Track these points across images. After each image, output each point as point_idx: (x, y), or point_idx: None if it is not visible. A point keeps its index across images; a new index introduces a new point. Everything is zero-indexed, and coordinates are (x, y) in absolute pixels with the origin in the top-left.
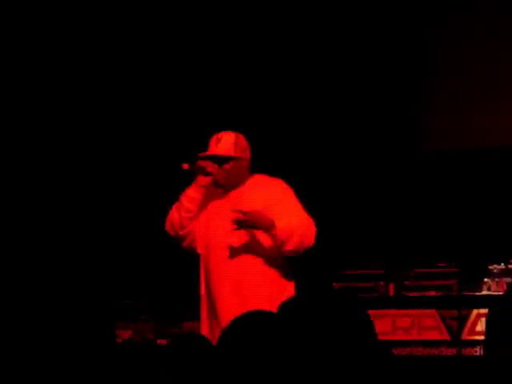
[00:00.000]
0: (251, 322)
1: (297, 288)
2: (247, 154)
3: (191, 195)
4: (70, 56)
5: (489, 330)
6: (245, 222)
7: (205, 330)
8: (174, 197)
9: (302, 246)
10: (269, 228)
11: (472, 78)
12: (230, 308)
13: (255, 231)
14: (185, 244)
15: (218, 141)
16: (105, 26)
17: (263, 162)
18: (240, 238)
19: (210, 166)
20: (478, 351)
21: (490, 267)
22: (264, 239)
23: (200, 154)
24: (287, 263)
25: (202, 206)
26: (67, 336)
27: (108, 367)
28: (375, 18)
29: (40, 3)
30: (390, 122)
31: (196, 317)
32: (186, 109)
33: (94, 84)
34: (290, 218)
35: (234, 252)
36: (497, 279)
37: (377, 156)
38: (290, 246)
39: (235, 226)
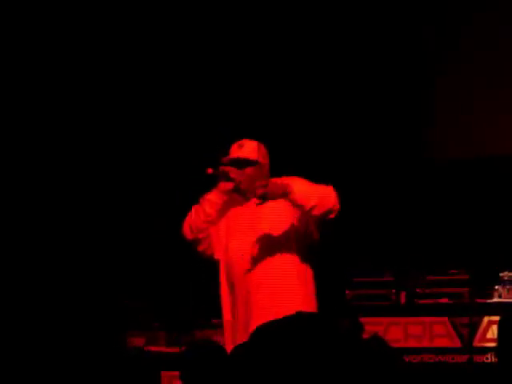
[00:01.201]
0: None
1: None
2: (267, 162)
3: (212, 199)
4: (82, 60)
5: (501, 337)
6: (265, 195)
7: (231, 340)
8: (190, 204)
9: (326, 202)
10: (285, 192)
11: (475, 87)
12: (266, 317)
13: (276, 232)
14: (200, 248)
15: (241, 146)
16: (118, 29)
17: (277, 171)
18: (262, 246)
19: (233, 172)
20: (490, 358)
21: (501, 274)
22: (288, 240)
23: (223, 159)
24: (310, 263)
25: (223, 213)
26: (78, 343)
27: (118, 374)
28: (379, 23)
29: (40, 3)
30: (397, 129)
31: (208, 325)
32: (204, 116)
33: (113, 88)
34: (306, 183)
35: (260, 261)
36: (508, 286)
37: (388, 162)
38: (312, 202)
39: (259, 235)
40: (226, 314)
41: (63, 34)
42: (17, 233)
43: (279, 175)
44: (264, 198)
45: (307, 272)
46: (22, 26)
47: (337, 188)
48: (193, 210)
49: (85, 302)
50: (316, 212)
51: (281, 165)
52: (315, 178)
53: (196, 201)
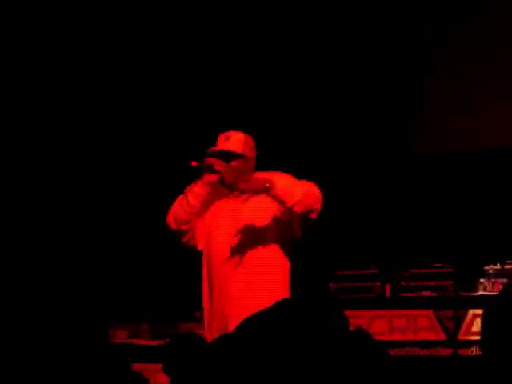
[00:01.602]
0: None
1: (293, 289)
2: (254, 155)
3: (197, 191)
4: (74, 57)
5: (484, 330)
6: (245, 189)
7: (207, 328)
8: (173, 197)
9: (308, 199)
10: (269, 188)
11: (471, 78)
12: (240, 306)
13: (259, 225)
14: (185, 239)
15: (228, 138)
16: (108, 26)
17: (264, 165)
18: (243, 237)
19: (218, 164)
20: (474, 351)
21: (486, 268)
22: (268, 233)
23: (209, 149)
24: (288, 257)
25: (207, 205)
26: (60, 335)
27: (101, 367)
28: (374, 18)
29: (40, 3)
30: (386, 123)
31: (192, 318)
32: (191, 108)
33: (99, 82)
34: (290, 179)
35: (238, 251)
36: (492, 280)
37: (373, 157)
38: (295, 198)
39: (239, 226)
40: (204, 302)
41: (63, 34)
42: (9, 230)
43: (266, 169)
44: (245, 192)
45: (284, 265)
46: (22, 26)
47: (322, 181)
48: (177, 201)
49: (67, 294)
50: (298, 209)
51: (268, 158)
52: (302, 172)
53: (180, 192)
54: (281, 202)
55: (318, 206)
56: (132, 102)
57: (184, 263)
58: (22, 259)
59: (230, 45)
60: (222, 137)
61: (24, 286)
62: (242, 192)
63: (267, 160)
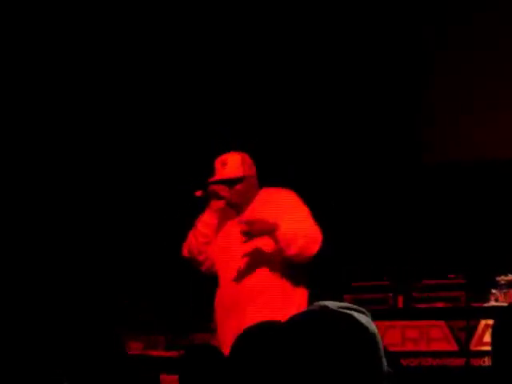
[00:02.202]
0: (261, 333)
1: (308, 302)
2: (254, 171)
3: (207, 221)
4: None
5: (495, 341)
6: (251, 231)
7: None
8: (189, 216)
9: (305, 252)
10: (273, 231)
11: (474, 90)
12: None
13: (266, 247)
14: (204, 268)
15: (224, 164)
16: (113, 35)
17: (269, 176)
18: (252, 257)
19: (222, 190)
20: (486, 361)
21: (498, 278)
22: (277, 257)
23: (210, 180)
24: (301, 276)
25: (218, 228)
26: (76, 347)
27: (117, 379)
28: (377, 26)
29: (40, 3)
30: (394, 133)
31: (206, 328)
32: (191, 133)
33: (105, 104)
34: (296, 223)
35: (249, 269)
36: (504, 290)
37: (385, 168)
38: (292, 251)
39: (248, 246)
40: (217, 322)
41: (63, 34)
42: (17, 233)
43: (275, 181)
44: (250, 235)
45: (296, 282)
46: (22, 26)
47: (334, 192)
48: (190, 234)
49: (84, 304)
50: (295, 258)
51: (279, 172)
52: (313, 184)
53: (191, 211)
54: (279, 247)
55: (313, 251)
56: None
57: (198, 275)
58: (38, 268)
59: (227, 53)
60: (218, 163)
61: (41, 298)
62: (245, 235)
63: (277, 173)
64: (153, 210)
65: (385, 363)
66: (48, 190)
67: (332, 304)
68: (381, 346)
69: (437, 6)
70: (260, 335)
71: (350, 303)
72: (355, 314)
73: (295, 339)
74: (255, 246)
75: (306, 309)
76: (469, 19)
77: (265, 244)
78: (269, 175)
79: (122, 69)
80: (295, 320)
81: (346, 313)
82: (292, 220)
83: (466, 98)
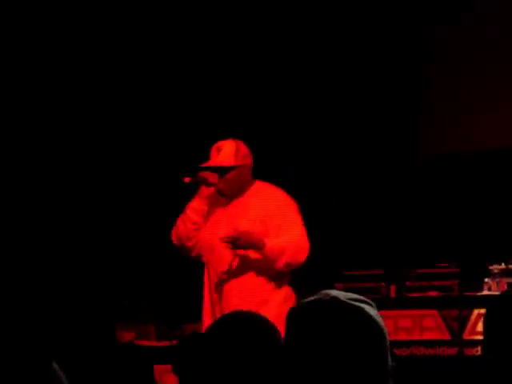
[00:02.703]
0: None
1: (299, 290)
2: (249, 161)
3: (196, 207)
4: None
5: (487, 330)
6: (236, 242)
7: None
8: (178, 203)
9: (292, 264)
10: (260, 248)
11: (474, 90)
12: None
13: (255, 237)
14: (193, 254)
15: (219, 151)
16: (110, 30)
17: (266, 169)
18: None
19: (212, 177)
20: (479, 351)
21: (491, 267)
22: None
23: (201, 165)
24: (289, 274)
25: (208, 215)
26: (67, 336)
27: (109, 369)
28: (375, 25)
29: (40, 3)
30: (389, 126)
31: (198, 319)
32: (186, 118)
33: (99, 93)
34: (284, 235)
35: (238, 258)
36: (497, 279)
37: (377, 160)
38: (279, 264)
39: (236, 234)
40: (205, 311)
41: (63, 34)
42: (12, 231)
43: (273, 176)
44: (236, 247)
45: (285, 274)
46: (22, 26)
47: (326, 184)
48: (179, 220)
49: (74, 296)
50: (284, 269)
51: (273, 169)
52: (306, 178)
53: (181, 200)
54: (269, 261)
55: (301, 261)
56: (130, 118)
57: (188, 265)
58: (29, 262)
59: (225, 50)
60: (213, 149)
61: (30, 290)
62: (232, 245)
63: (271, 170)
64: (144, 199)
65: (390, 358)
66: (45, 188)
67: (342, 295)
68: (387, 340)
69: (437, 5)
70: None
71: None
72: (366, 307)
73: (302, 329)
74: (243, 233)
75: (314, 297)
76: (469, 19)
77: (254, 230)
78: (264, 170)
79: (119, 60)
80: (304, 308)
81: (357, 305)
82: (280, 229)
83: (465, 97)
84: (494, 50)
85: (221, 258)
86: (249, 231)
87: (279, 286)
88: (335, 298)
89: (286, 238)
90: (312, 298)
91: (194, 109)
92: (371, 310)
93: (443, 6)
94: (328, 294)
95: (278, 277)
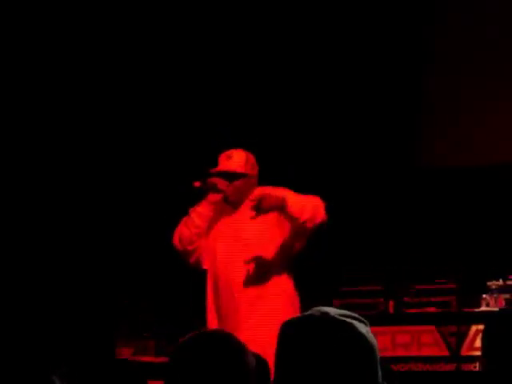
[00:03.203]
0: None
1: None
2: (256, 172)
3: (201, 211)
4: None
5: (485, 346)
6: (260, 206)
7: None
8: (179, 210)
9: (317, 215)
10: (281, 206)
11: (474, 90)
12: (248, 324)
13: (265, 246)
14: (192, 260)
15: (229, 158)
16: (112, 32)
17: (267, 172)
18: (249, 254)
19: (221, 183)
20: (477, 367)
21: (489, 283)
22: (270, 251)
23: (211, 170)
24: (293, 277)
25: (212, 223)
26: (66, 352)
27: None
28: (376, 25)
29: (40, 3)
30: (389, 135)
31: None
32: (195, 126)
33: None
34: (298, 196)
35: (242, 269)
36: (495, 295)
37: (375, 170)
38: (306, 215)
39: (242, 244)
40: (211, 321)
41: (63, 34)
42: (11, 232)
43: (269, 183)
44: (260, 210)
45: (288, 282)
46: (22, 26)
47: (325, 196)
48: (182, 222)
49: (74, 309)
50: (309, 224)
51: (271, 173)
52: (303, 185)
53: (186, 209)
54: (294, 218)
55: (325, 218)
56: (134, 117)
57: (189, 280)
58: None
59: (225, 55)
60: (223, 156)
61: (31, 295)
62: (255, 210)
63: (269, 174)
64: (148, 207)
65: (380, 375)
66: (46, 188)
67: (333, 311)
68: (378, 358)
69: (437, 5)
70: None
71: (340, 308)
72: (356, 324)
73: (292, 345)
74: (249, 242)
75: (305, 313)
76: (469, 19)
77: (260, 234)
78: (265, 173)
79: (123, 63)
80: (294, 324)
81: (347, 322)
82: (294, 195)
83: (466, 97)
84: (494, 49)
85: (223, 267)
86: (267, 193)
87: (284, 290)
88: (325, 314)
89: (302, 197)
90: (303, 314)
91: (198, 113)
92: (362, 327)
93: (443, 6)
94: (319, 310)
95: (290, 287)
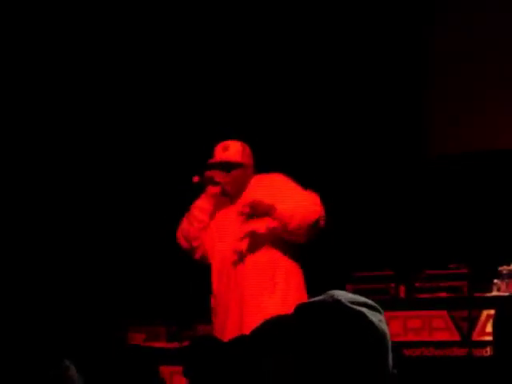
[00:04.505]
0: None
1: (309, 291)
2: (252, 162)
3: (202, 205)
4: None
5: (496, 331)
6: (248, 212)
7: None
8: (182, 201)
9: (307, 219)
10: (270, 212)
11: (473, 90)
12: (252, 309)
13: (262, 230)
14: (197, 256)
15: (226, 148)
16: (111, 30)
17: (269, 169)
18: (247, 244)
19: (218, 175)
20: (488, 351)
21: (500, 268)
22: (273, 240)
23: (209, 161)
24: (298, 266)
25: (212, 216)
26: (77, 339)
27: (118, 370)
28: (377, 26)
29: (40, 3)
30: (396, 126)
31: (208, 320)
32: (190, 120)
33: (107, 95)
34: (290, 199)
35: (244, 257)
36: (506, 280)
37: (387, 160)
38: (292, 226)
39: (243, 234)
40: (214, 307)
41: (63, 34)
42: (18, 233)
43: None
44: (248, 217)
45: (292, 268)
46: (22, 26)
47: (335, 184)
48: (184, 219)
49: (84, 297)
50: (299, 231)
51: (280, 164)
52: (312, 177)
53: (187, 202)
54: (281, 225)
55: (320, 222)
56: (131, 114)
57: (199, 266)
58: (37, 265)
59: (225, 51)
60: (219, 147)
61: (40, 293)
62: (244, 215)
63: (275, 166)
64: (153, 202)
65: (390, 364)
66: (51, 192)
67: (346, 298)
68: (389, 348)
69: (437, 5)
70: (269, 330)
71: (352, 293)
72: (368, 313)
73: (304, 333)
74: (250, 230)
75: (318, 298)
76: (469, 19)
77: (261, 227)
78: (268, 167)
79: (121, 60)
80: (306, 311)
81: (359, 311)
82: (286, 197)
83: (466, 97)
84: (494, 50)
85: (224, 256)
86: (259, 200)
87: (293, 277)
88: (338, 302)
89: (294, 198)
90: (318, 298)
91: (197, 109)
92: (374, 316)
93: (443, 6)
94: (332, 296)
95: (292, 269)
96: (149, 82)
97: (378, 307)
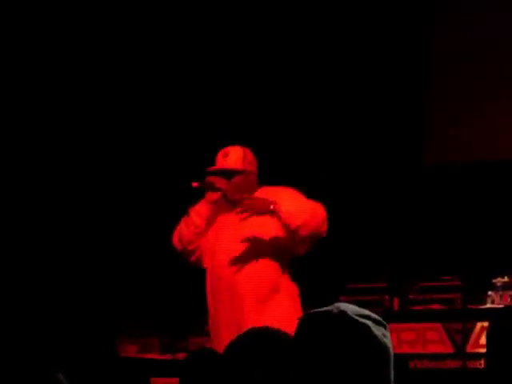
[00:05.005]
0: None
1: (303, 302)
2: (254, 168)
3: (200, 211)
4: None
5: (490, 343)
6: (249, 209)
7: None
8: (179, 211)
9: (311, 223)
10: (273, 210)
11: (474, 90)
12: (248, 319)
13: (264, 240)
14: (192, 259)
15: (226, 155)
16: (112, 32)
17: (270, 177)
18: (244, 252)
19: (219, 182)
20: (483, 364)
21: (494, 280)
22: (268, 249)
23: (208, 169)
24: (293, 276)
25: (211, 221)
26: (69, 350)
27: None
28: (377, 26)
29: (40, 3)
30: (394, 135)
31: (201, 332)
32: (192, 125)
33: (108, 98)
34: (296, 201)
35: (240, 266)
36: (500, 292)
37: (381, 170)
38: (297, 222)
39: (240, 242)
40: (210, 317)
41: (63, 34)
42: (12, 234)
43: (273, 182)
44: (247, 212)
45: (286, 279)
46: (22, 26)
47: (330, 194)
48: (182, 222)
49: (77, 308)
50: (302, 232)
51: (278, 174)
52: (311, 186)
53: (185, 210)
54: (284, 224)
55: (322, 228)
56: (132, 119)
57: (192, 277)
58: (32, 270)
59: (228, 55)
60: (220, 154)
61: (31, 303)
62: (245, 211)
63: (276, 175)
64: (149, 209)
65: (391, 379)
66: (49, 196)
67: (351, 310)
68: (390, 362)
69: (437, 5)
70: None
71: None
72: (372, 326)
73: (307, 342)
74: (247, 240)
75: (324, 308)
76: (469, 19)
77: (264, 233)
78: (269, 174)
79: (122, 63)
80: (311, 320)
81: (364, 323)
82: (292, 200)
83: (466, 97)
84: (494, 50)
85: (221, 263)
86: (255, 197)
87: (287, 286)
88: (343, 313)
89: (300, 201)
90: (323, 309)
91: (199, 113)
92: (378, 330)
93: (443, 6)
94: (338, 307)
95: (287, 278)
96: (151, 86)
97: (383, 321)
